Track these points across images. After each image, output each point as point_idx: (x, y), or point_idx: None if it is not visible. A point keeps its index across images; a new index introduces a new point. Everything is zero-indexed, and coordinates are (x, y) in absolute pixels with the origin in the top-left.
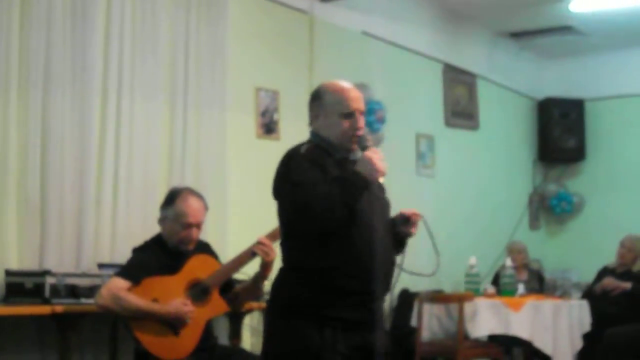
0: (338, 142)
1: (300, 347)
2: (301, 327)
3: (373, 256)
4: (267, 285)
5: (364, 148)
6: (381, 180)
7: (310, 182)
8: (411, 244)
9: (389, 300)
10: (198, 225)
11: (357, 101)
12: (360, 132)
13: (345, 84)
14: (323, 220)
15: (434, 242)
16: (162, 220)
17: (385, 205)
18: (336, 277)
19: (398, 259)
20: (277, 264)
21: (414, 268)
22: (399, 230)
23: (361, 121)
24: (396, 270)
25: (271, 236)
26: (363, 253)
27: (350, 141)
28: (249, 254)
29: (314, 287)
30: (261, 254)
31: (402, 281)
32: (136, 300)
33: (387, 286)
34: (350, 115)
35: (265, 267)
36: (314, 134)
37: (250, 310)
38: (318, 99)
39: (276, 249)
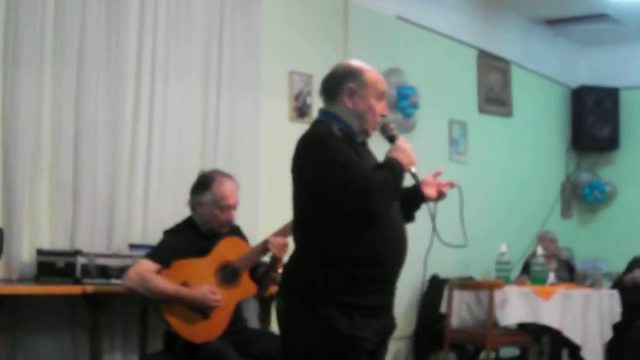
0: (362, 125)
1: (330, 334)
2: (329, 314)
3: (399, 243)
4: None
5: (391, 136)
6: (413, 169)
7: (358, 165)
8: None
9: (419, 286)
10: (236, 206)
11: (385, 84)
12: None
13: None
14: (378, 205)
15: (462, 214)
16: (198, 206)
17: None
18: (366, 264)
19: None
20: None
21: (443, 248)
22: (419, 196)
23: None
24: (429, 245)
25: (282, 232)
26: (391, 241)
27: (374, 126)
28: (261, 250)
29: (340, 274)
30: (274, 251)
31: (432, 267)
32: (163, 283)
33: (400, 270)
34: (382, 95)
35: (276, 262)
36: (333, 116)
37: None
38: (355, 78)
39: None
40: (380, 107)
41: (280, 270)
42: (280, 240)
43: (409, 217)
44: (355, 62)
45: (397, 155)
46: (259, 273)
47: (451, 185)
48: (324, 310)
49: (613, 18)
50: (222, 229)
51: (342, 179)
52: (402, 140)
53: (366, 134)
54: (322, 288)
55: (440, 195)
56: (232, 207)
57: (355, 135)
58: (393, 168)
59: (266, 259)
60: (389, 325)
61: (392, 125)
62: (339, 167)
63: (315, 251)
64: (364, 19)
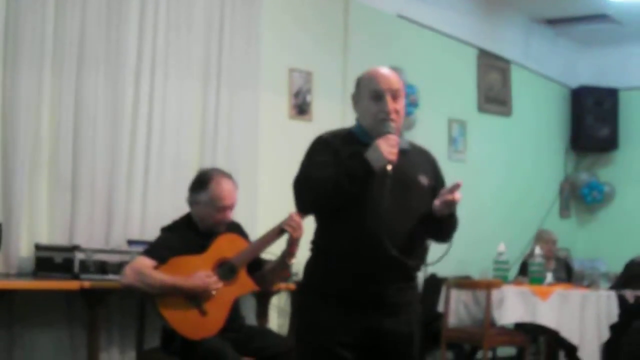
0: (370, 127)
1: (313, 323)
2: (314, 304)
3: (374, 240)
4: (296, 265)
5: (384, 133)
6: (389, 167)
7: (310, 166)
8: None
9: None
10: (232, 207)
11: (388, 82)
12: (391, 115)
13: (383, 68)
14: (313, 204)
15: None
16: (194, 204)
17: (413, 191)
18: (335, 258)
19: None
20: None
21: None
22: (445, 199)
23: (391, 104)
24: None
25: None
26: (362, 237)
27: (377, 126)
28: (277, 231)
29: (322, 266)
30: (290, 230)
31: (429, 266)
32: (160, 275)
33: (406, 272)
34: (378, 96)
35: (292, 243)
36: (357, 121)
37: (277, 291)
38: (355, 87)
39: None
40: (375, 107)
41: (295, 252)
42: (296, 217)
43: (439, 237)
44: (365, 71)
45: (367, 155)
46: (272, 264)
47: (457, 186)
48: (307, 301)
49: (613, 18)
50: (217, 228)
51: (297, 177)
52: (380, 139)
53: (377, 134)
54: (311, 280)
55: (450, 203)
56: (227, 208)
57: (368, 136)
58: (351, 168)
59: (276, 255)
60: (387, 326)
61: (392, 124)
62: (302, 168)
63: (313, 244)
64: (364, 16)
